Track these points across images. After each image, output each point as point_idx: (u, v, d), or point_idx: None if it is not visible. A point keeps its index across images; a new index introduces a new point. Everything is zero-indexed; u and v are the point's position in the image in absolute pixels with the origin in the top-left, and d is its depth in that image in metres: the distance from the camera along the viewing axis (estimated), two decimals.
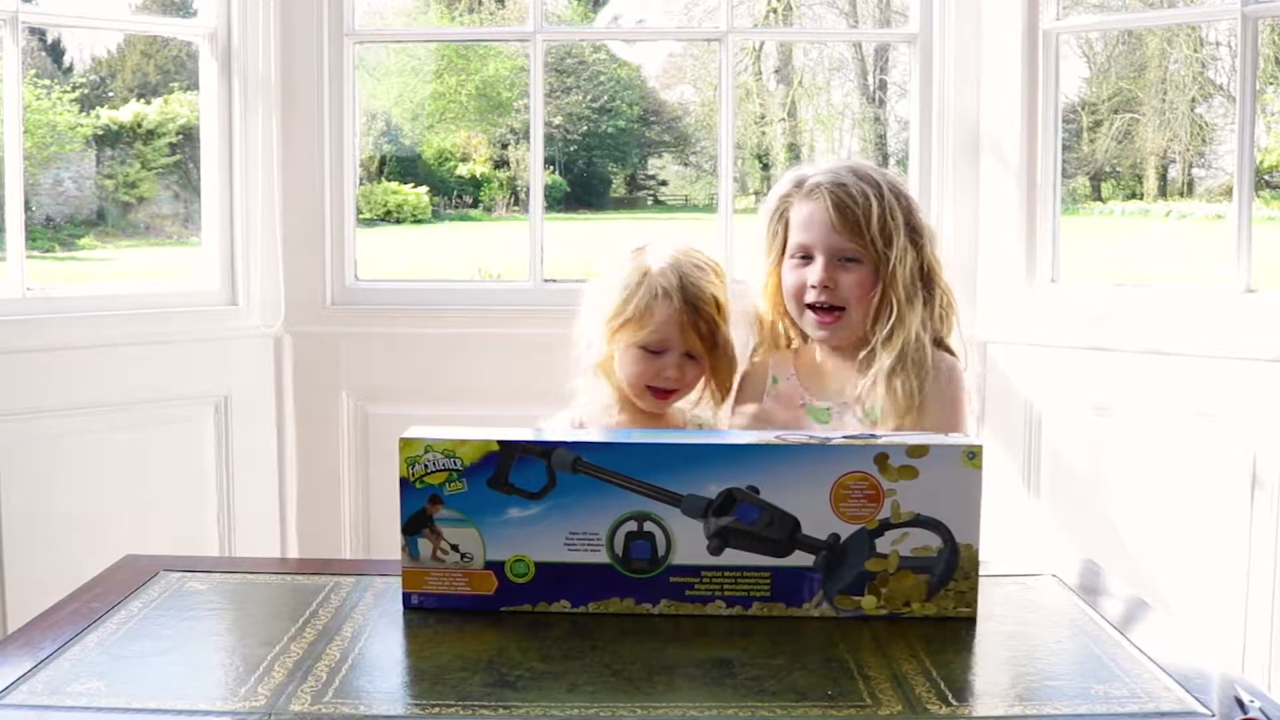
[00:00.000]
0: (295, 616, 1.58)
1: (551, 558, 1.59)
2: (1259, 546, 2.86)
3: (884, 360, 2.04)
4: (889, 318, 2.05)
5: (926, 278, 2.09)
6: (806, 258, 2.08)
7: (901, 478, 1.56)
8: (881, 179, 2.09)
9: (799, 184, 2.11)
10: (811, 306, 2.08)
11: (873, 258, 2.05)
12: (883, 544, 1.57)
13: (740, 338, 2.19)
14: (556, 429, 2.09)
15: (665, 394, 2.10)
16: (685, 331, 2.06)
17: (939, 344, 2.12)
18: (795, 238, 2.10)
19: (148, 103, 8.03)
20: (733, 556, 1.58)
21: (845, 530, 1.57)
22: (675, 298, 2.06)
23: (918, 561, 1.58)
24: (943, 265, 2.13)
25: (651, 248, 2.14)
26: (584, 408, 2.18)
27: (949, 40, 3.33)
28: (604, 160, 11.15)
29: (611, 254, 2.18)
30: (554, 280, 3.40)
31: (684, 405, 2.18)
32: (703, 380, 2.14)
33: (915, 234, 2.08)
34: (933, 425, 2.00)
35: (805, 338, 2.17)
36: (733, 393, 2.19)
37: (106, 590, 1.69)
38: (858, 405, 2.07)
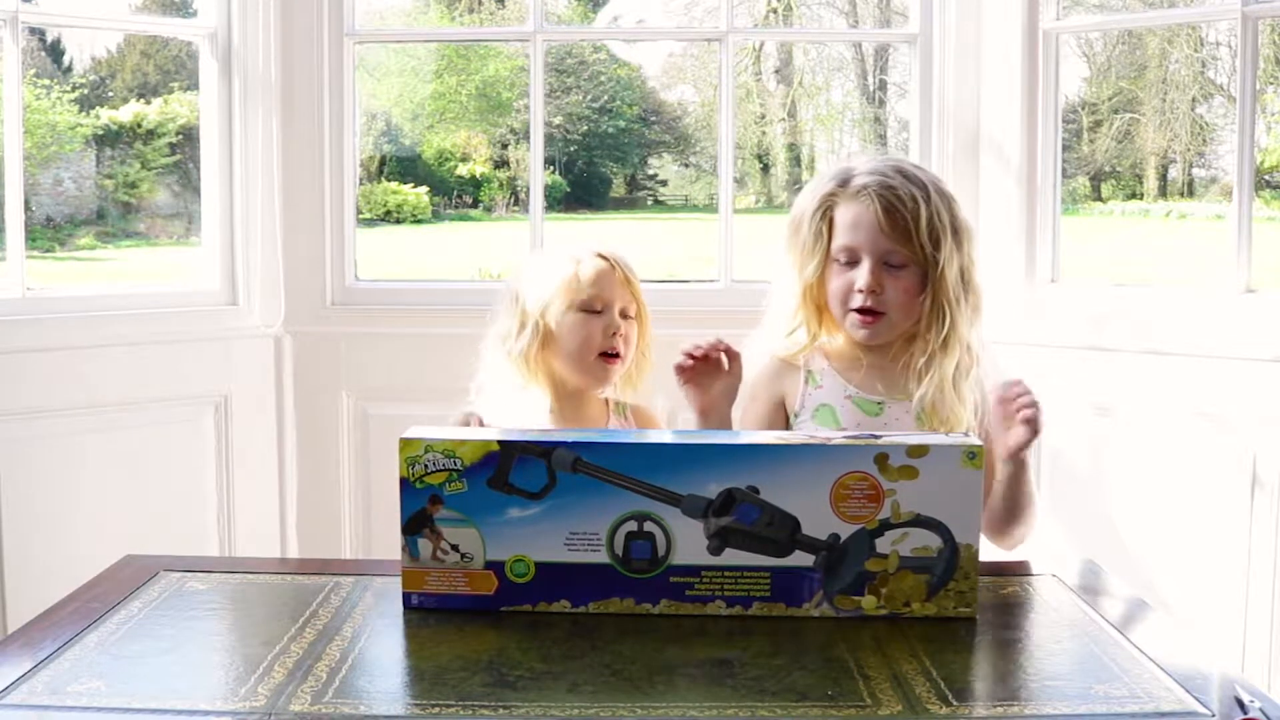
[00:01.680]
0: (295, 616, 1.58)
1: (551, 558, 1.59)
2: (1259, 546, 2.86)
3: (946, 367, 2.02)
4: (943, 324, 2.03)
5: (967, 279, 2.08)
6: (852, 261, 2.06)
7: (902, 478, 1.56)
8: (927, 179, 2.06)
9: (843, 182, 2.07)
10: (856, 309, 2.06)
11: (920, 262, 2.03)
12: (883, 544, 1.57)
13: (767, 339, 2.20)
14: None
15: (612, 359, 2.15)
16: (622, 287, 2.16)
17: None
18: (841, 239, 2.05)
19: (148, 103, 8.02)
20: (733, 556, 1.58)
21: (845, 530, 1.57)
22: (605, 258, 2.17)
23: (918, 561, 1.58)
24: (975, 263, 2.12)
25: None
26: (489, 409, 2.16)
27: (949, 40, 3.33)
28: (604, 160, 11.15)
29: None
30: None
31: (609, 393, 2.24)
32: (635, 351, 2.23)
33: (958, 234, 2.05)
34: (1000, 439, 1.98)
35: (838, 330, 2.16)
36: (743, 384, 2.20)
37: (106, 590, 1.69)
38: (918, 404, 2.05)
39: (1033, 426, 1.87)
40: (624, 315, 2.16)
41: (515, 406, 2.16)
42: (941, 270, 2.02)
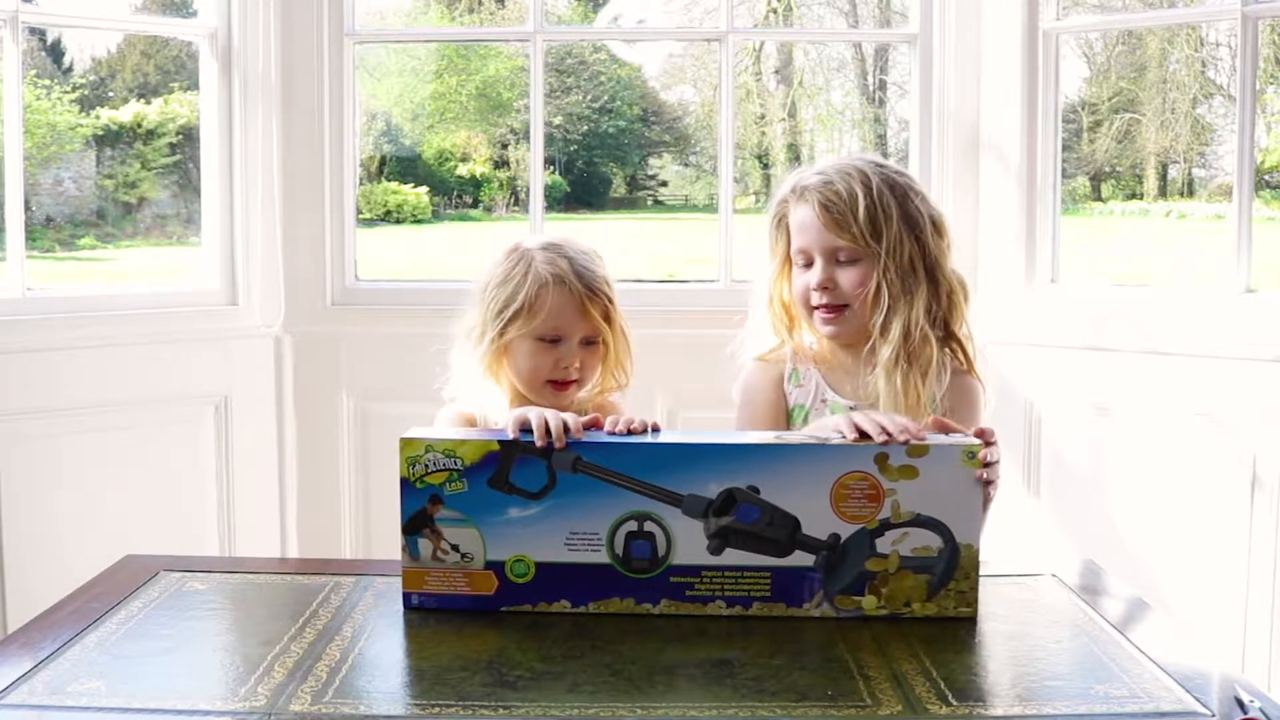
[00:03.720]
0: (295, 616, 1.58)
1: (552, 558, 1.59)
2: (1259, 546, 2.86)
3: (883, 352, 2.04)
4: (882, 308, 2.05)
5: (929, 267, 2.08)
6: (808, 262, 2.08)
7: (902, 477, 1.56)
8: (873, 172, 2.07)
9: (794, 189, 2.11)
10: (817, 307, 2.08)
11: (867, 252, 2.05)
12: (883, 544, 1.57)
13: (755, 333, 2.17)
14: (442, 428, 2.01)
15: (564, 386, 2.06)
16: (585, 315, 2.04)
17: (950, 335, 2.11)
18: (795, 242, 2.10)
19: (148, 103, 8.02)
20: (733, 556, 1.58)
21: (845, 530, 1.57)
22: (569, 282, 2.04)
23: (918, 561, 1.58)
24: (947, 252, 2.11)
25: (527, 242, 2.13)
26: (473, 408, 2.12)
27: (949, 40, 3.33)
28: (604, 160, 11.14)
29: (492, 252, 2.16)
30: None
31: (584, 398, 2.15)
32: (600, 371, 2.11)
33: (910, 223, 2.06)
34: None
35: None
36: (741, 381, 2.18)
37: (106, 590, 1.69)
38: (870, 396, 2.06)
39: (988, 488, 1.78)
40: (586, 342, 2.06)
41: (483, 399, 2.13)
42: (884, 260, 2.03)
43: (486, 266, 2.15)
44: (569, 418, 1.63)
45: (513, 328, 2.07)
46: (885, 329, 2.05)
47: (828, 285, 2.05)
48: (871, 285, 2.05)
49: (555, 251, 2.09)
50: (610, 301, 2.08)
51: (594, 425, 1.67)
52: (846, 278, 2.05)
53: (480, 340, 2.10)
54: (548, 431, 1.60)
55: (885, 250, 2.04)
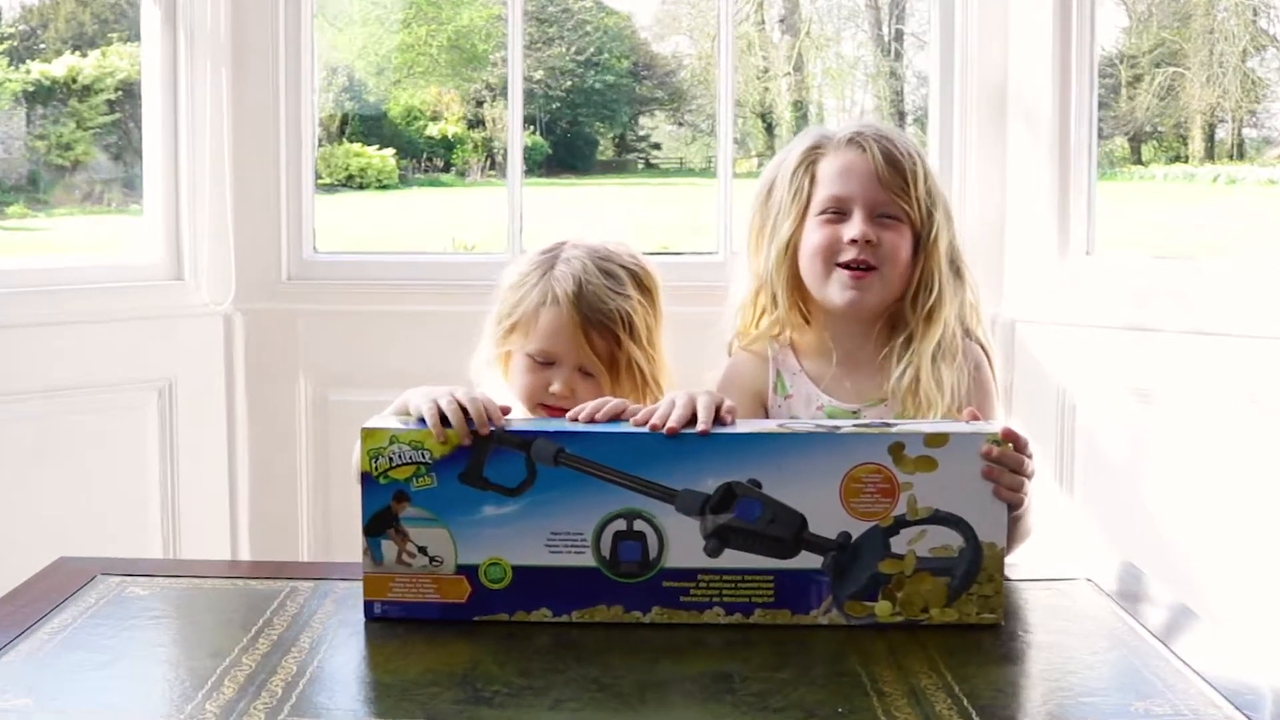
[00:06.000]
0: (247, 626, 1.58)
1: (531, 561, 1.59)
2: None
3: (924, 345, 2.01)
4: (930, 294, 2.03)
5: (955, 261, 2.08)
6: (840, 213, 2.03)
7: (919, 470, 1.56)
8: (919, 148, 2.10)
9: (828, 136, 2.07)
10: (844, 265, 2.03)
11: (914, 221, 2.03)
12: (898, 543, 1.57)
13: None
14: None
15: (557, 412, 1.97)
16: (579, 345, 2.00)
17: (968, 335, 2.11)
18: (828, 190, 2.04)
19: (83, 55, 7.99)
20: (732, 558, 1.58)
21: (857, 528, 1.57)
22: (565, 306, 2.00)
23: (937, 563, 1.58)
24: (961, 247, 2.12)
25: (570, 244, 2.09)
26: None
27: None
28: (590, 119, 11.13)
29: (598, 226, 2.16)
30: None
31: None
32: None
33: (948, 209, 2.08)
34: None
35: (806, 321, 2.13)
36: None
37: (37, 596, 1.69)
38: (893, 402, 2.03)
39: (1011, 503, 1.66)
40: (584, 372, 2.02)
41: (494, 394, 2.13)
42: (934, 237, 2.02)
43: (528, 253, 2.13)
44: (465, 394, 1.63)
45: (510, 340, 2.06)
46: (930, 319, 2.03)
47: (869, 239, 2.00)
48: (918, 264, 2.03)
49: (577, 266, 2.04)
50: (615, 339, 2.02)
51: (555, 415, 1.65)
52: (888, 236, 2.01)
53: (489, 339, 2.09)
54: (444, 420, 1.59)
55: (937, 226, 2.03)
